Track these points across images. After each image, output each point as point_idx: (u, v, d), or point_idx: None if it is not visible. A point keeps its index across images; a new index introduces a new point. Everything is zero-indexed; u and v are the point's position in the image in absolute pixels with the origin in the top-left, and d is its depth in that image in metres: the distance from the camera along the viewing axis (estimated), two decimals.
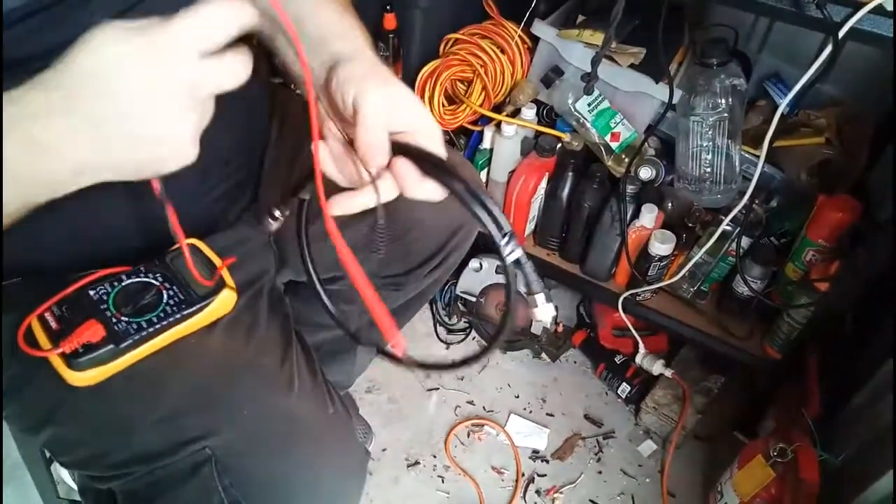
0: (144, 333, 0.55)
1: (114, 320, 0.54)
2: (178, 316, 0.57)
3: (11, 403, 0.62)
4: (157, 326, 0.55)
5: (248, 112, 0.75)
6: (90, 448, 0.60)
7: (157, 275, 0.59)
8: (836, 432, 1.03)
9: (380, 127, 0.49)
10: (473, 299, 1.42)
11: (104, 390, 0.54)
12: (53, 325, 0.53)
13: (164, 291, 0.58)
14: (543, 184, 1.25)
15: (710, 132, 1.09)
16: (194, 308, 0.58)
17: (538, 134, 1.27)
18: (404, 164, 0.50)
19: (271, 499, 0.61)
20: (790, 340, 1.13)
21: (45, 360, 0.52)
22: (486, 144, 1.30)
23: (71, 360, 0.51)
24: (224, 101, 0.67)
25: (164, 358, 0.57)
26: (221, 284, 0.61)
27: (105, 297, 0.56)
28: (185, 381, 0.58)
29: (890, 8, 0.83)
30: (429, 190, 0.50)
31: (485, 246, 1.34)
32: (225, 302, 0.61)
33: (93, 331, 0.52)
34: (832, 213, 1.07)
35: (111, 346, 0.53)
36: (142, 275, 0.59)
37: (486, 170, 1.35)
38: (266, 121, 0.81)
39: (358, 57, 0.54)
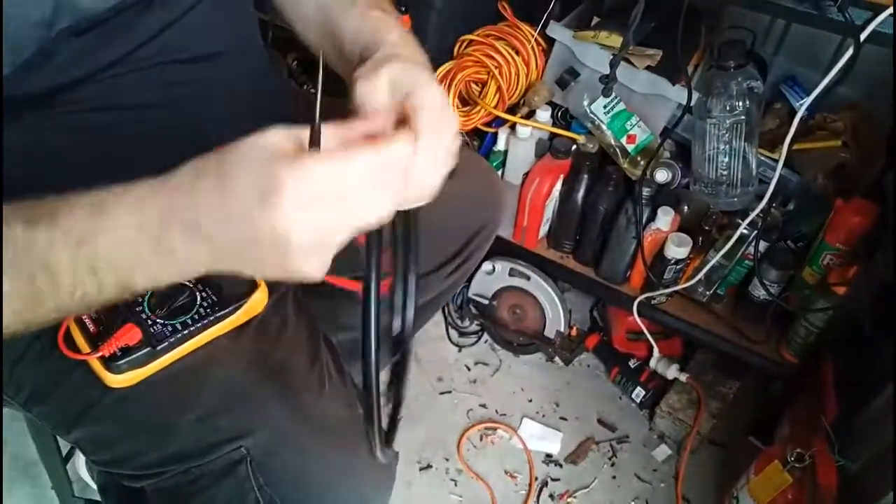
0: (179, 336, 0.54)
1: (149, 323, 0.54)
2: (211, 318, 0.56)
3: (46, 402, 0.62)
4: (192, 329, 0.55)
5: (275, 120, 0.75)
6: (126, 447, 0.60)
7: None
8: (854, 438, 1.02)
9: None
10: (486, 302, 1.41)
11: (141, 391, 0.54)
12: (91, 328, 0.52)
13: (198, 293, 0.57)
14: (558, 186, 1.25)
15: (726, 135, 1.09)
16: (227, 310, 0.57)
17: (553, 136, 1.27)
18: None
19: (305, 498, 0.61)
20: (807, 344, 1.13)
21: (82, 360, 0.52)
22: (500, 146, 1.30)
23: (109, 363, 0.51)
24: (254, 115, 0.67)
25: (199, 359, 0.57)
26: (253, 286, 0.60)
27: (140, 300, 0.55)
28: (219, 382, 0.58)
29: None
30: None
31: (498, 249, 1.34)
32: (256, 303, 0.60)
33: (130, 334, 0.52)
34: (849, 217, 1.07)
35: (148, 349, 0.52)
36: None
37: (500, 172, 1.34)
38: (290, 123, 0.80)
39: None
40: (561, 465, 1.26)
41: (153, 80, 0.56)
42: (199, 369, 0.57)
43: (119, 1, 0.51)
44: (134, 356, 0.51)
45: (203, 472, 0.58)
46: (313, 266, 0.39)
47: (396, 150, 0.40)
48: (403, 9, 1.19)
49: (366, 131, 0.42)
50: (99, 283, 0.39)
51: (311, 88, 1.29)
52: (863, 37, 0.86)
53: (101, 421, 0.59)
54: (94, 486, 1.09)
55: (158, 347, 0.53)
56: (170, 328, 0.54)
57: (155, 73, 0.55)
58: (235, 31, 0.63)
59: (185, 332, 0.54)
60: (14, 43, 0.46)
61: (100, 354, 0.50)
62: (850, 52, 0.89)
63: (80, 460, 1.12)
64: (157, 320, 0.54)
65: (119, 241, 0.38)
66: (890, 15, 0.84)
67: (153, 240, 0.38)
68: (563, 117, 1.28)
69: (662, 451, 1.28)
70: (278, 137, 0.38)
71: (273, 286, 0.69)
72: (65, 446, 1.02)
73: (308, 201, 0.36)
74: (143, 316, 0.54)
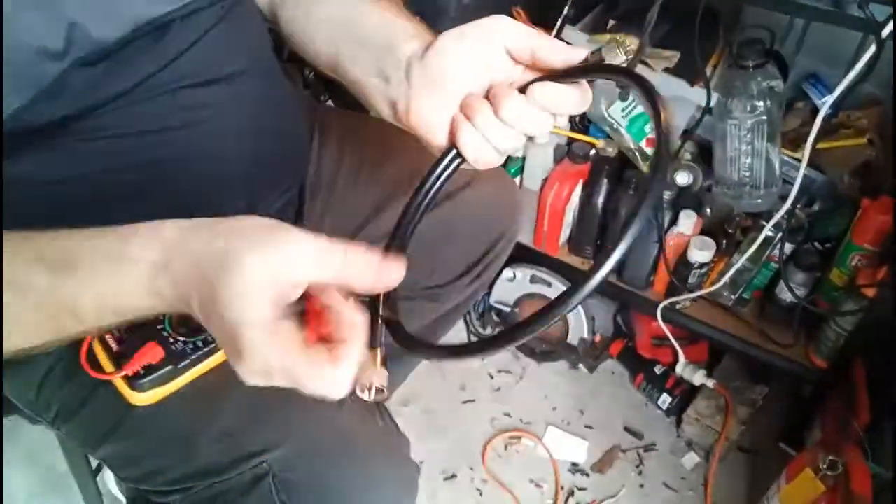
0: (201, 353, 0.55)
1: (171, 341, 0.54)
2: None
3: (73, 420, 0.63)
4: (213, 345, 0.55)
5: (294, 135, 0.76)
6: (151, 464, 0.61)
7: None
8: (888, 443, 1.00)
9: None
10: (507, 309, 1.40)
11: (165, 408, 0.55)
12: (114, 347, 0.53)
13: None
14: (578, 191, 1.24)
15: (748, 135, 1.07)
16: None
17: (571, 140, 1.26)
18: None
19: None
20: (837, 348, 1.10)
21: (106, 379, 0.52)
22: (518, 152, 1.29)
23: (133, 381, 0.52)
24: (274, 131, 0.68)
25: (221, 375, 0.57)
26: None
27: (161, 318, 0.56)
28: (241, 397, 0.58)
29: None
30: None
31: (519, 256, 1.33)
32: None
33: (153, 353, 0.52)
34: (877, 217, 1.04)
35: (170, 367, 0.53)
36: None
37: (518, 177, 1.34)
38: (308, 137, 0.81)
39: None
40: (587, 474, 1.25)
41: (168, 104, 0.56)
42: (220, 385, 0.57)
43: (129, 32, 0.52)
44: (157, 374, 0.52)
45: (227, 488, 0.59)
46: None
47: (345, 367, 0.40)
48: (417, 17, 1.19)
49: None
50: (121, 319, 0.43)
51: (327, 100, 1.30)
52: (884, 34, 0.84)
53: (126, 438, 0.60)
54: (124, 500, 1.10)
55: (180, 365, 0.53)
56: (191, 346, 0.54)
57: (170, 98, 0.56)
58: (249, 51, 0.64)
59: (207, 349, 0.55)
60: (29, 73, 0.47)
61: (123, 373, 0.51)
62: (871, 49, 0.87)
63: (109, 474, 1.13)
64: (179, 338, 0.55)
65: (138, 297, 0.41)
66: None
67: (165, 302, 0.41)
68: (581, 121, 1.27)
69: (691, 459, 1.26)
70: (278, 278, 0.39)
71: None
72: (94, 460, 1.04)
73: (263, 373, 0.39)
74: (165, 334, 0.55)
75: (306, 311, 0.42)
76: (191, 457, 0.58)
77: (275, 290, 0.38)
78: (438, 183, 0.51)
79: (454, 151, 0.50)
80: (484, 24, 0.49)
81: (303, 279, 0.39)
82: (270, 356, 0.38)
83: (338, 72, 0.60)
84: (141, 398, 0.53)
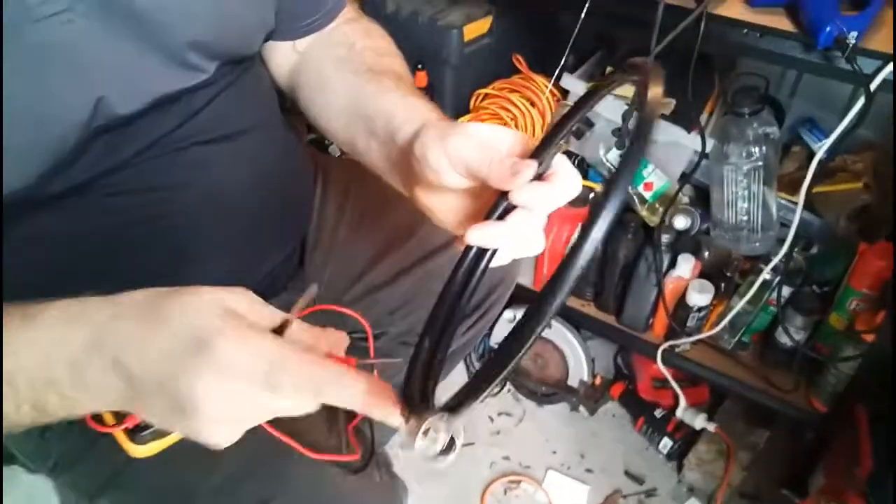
0: None
1: None
2: None
3: (71, 470, 0.63)
4: None
5: (296, 189, 0.77)
6: None
7: None
8: (892, 492, 0.98)
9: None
10: None
11: (163, 459, 0.54)
12: None
13: None
14: (577, 234, 1.25)
15: (744, 180, 1.09)
16: None
17: None
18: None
19: None
20: (837, 393, 1.10)
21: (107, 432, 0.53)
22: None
23: (133, 434, 0.52)
24: (278, 186, 0.70)
25: None
26: None
27: None
28: (239, 450, 0.57)
29: None
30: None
31: (519, 297, 1.33)
32: None
33: None
34: (874, 261, 1.05)
35: None
36: None
37: None
38: (311, 187, 0.83)
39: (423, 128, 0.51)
40: None
41: (177, 161, 0.58)
42: None
43: (149, 103, 0.54)
44: (157, 427, 0.52)
45: None
46: (219, 437, 0.40)
47: (349, 384, 0.39)
48: (420, 66, 1.22)
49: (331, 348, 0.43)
50: (15, 395, 0.40)
51: (331, 145, 1.32)
52: (873, 86, 0.86)
53: (124, 490, 0.60)
54: None
55: None
56: None
57: (179, 155, 0.58)
58: (255, 110, 0.66)
59: None
60: (58, 142, 0.50)
61: (124, 426, 0.51)
62: (861, 100, 0.89)
63: None
64: None
65: (38, 354, 0.39)
66: None
67: (69, 362, 0.39)
68: (580, 166, 1.29)
69: None
70: (235, 299, 0.39)
71: None
72: None
73: (231, 374, 0.36)
74: None
75: None
76: None
77: (222, 304, 0.38)
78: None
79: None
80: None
81: (238, 307, 0.39)
82: (250, 348, 0.36)
83: (356, 155, 0.63)
84: (141, 450, 0.52)
